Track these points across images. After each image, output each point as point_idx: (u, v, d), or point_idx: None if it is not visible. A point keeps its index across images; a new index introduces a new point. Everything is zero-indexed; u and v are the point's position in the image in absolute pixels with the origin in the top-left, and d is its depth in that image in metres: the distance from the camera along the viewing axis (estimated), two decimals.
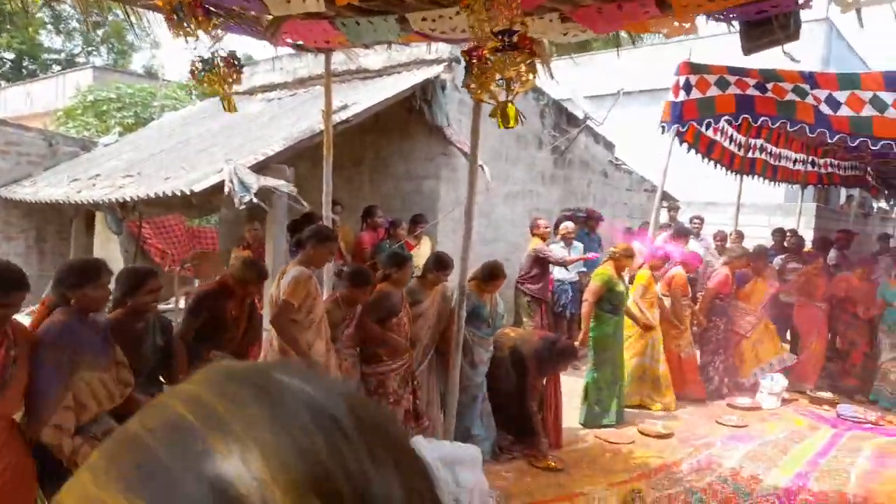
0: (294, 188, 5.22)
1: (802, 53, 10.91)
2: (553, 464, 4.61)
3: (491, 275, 4.75)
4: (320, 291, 3.82)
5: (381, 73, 7.94)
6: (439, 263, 4.55)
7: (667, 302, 6.42)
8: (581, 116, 8.76)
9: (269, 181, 4.99)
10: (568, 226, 7.38)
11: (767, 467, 4.79)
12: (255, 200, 5.01)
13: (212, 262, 7.31)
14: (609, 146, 9.56)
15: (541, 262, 6.97)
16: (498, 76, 3.01)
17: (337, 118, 5.93)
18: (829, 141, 5.82)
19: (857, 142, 5.56)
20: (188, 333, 3.72)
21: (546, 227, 7.19)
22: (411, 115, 7.12)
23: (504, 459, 4.70)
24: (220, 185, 5.13)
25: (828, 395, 6.72)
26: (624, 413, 5.76)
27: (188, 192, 5.21)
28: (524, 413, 4.80)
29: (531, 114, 8.23)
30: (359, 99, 6.85)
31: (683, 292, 6.51)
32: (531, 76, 3.03)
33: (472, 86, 3.10)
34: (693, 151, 7.32)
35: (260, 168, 5.41)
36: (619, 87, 8.74)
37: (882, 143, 5.40)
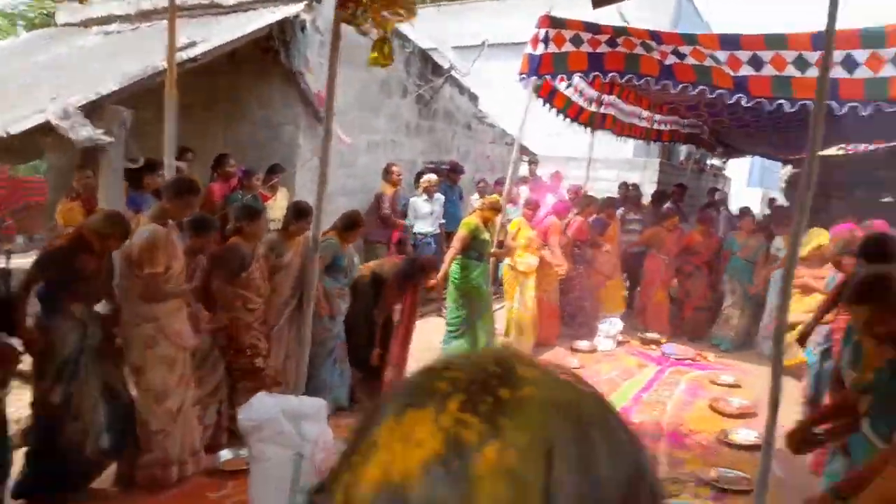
0: (110, 138, 4.77)
1: (654, 14, 11.52)
2: None
3: (352, 224, 4.77)
4: (177, 244, 3.60)
5: (235, 8, 7.41)
6: (299, 213, 4.48)
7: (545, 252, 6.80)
8: (446, 66, 8.77)
9: (84, 131, 4.55)
10: (430, 178, 7.49)
11: None
12: (95, 136, 4.56)
13: (38, 215, 6.62)
14: (474, 98, 9.68)
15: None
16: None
17: (184, 56, 5.51)
18: (672, 91, 6.20)
19: (695, 98, 6.01)
20: (29, 286, 3.37)
21: (398, 175, 7.26)
22: (268, 56, 6.76)
23: (357, 408, 4.82)
24: (44, 126, 4.63)
25: (655, 335, 7.45)
26: None
27: (4, 135, 4.65)
28: (371, 334, 4.89)
29: (397, 61, 8.10)
30: (208, 36, 6.37)
31: (559, 237, 6.98)
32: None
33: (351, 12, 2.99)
34: (548, 106, 7.59)
35: (92, 109, 4.92)
36: (484, 39, 8.81)
37: (718, 91, 5.86)
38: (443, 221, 7.69)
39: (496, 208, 6.12)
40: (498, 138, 10.29)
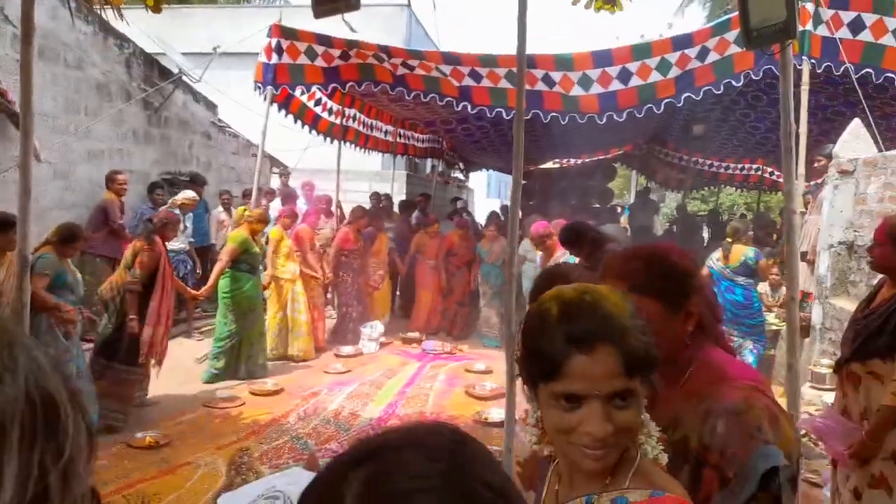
0: None
1: (388, 36, 12.07)
2: (153, 440, 4.24)
3: (70, 236, 4.27)
4: None
5: None
6: (2, 225, 3.86)
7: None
8: (176, 71, 8.10)
9: None
10: (188, 194, 6.86)
11: (364, 403, 5.29)
12: None
13: None
14: (211, 106, 9.10)
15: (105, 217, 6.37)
16: None
17: None
18: (407, 98, 6.60)
19: (431, 115, 6.46)
20: None
21: (122, 183, 6.50)
22: None
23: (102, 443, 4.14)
24: None
25: (416, 334, 7.73)
26: (267, 365, 6.12)
27: None
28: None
29: (114, 62, 7.26)
30: None
31: (311, 245, 7.04)
32: None
33: None
34: (284, 113, 7.49)
35: None
36: (215, 45, 8.33)
37: (446, 98, 6.39)
38: (192, 240, 7.14)
39: (264, 220, 6.26)
40: (242, 149, 9.82)
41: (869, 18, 5.20)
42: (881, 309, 2.61)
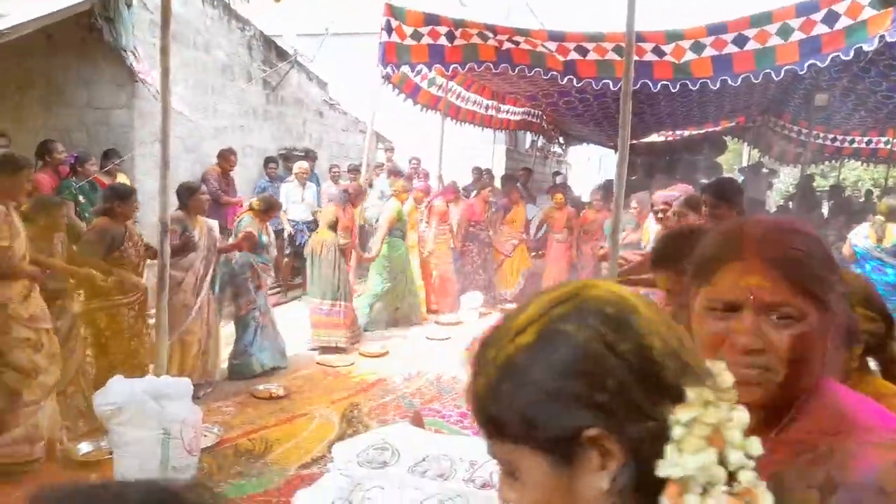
0: None
1: (486, 10, 12.01)
2: (274, 392, 4.65)
3: (270, 206, 5.39)
4: (17, 222, 3.32)
5: None
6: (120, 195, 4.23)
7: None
8: (292, 52, 8.56)
9: None
10: (302, 165, 7.43)
11: (465, 369, 5.48)
12: None
13: None
14: (322, 85, 9.54)
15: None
16: None
17: None
18: (511, 73, 6.61)
19: (533, 88, 6.41)
20: None
21: (230, 161, 7.06)
22: (91, 35, 6.16)
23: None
24: None
25: (514, 305, 7.84)
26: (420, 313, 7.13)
27: None
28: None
29: (237, 45, 7.78)
30: (11, 10, 5.68)
31: (442, 219, 7.58)
32: None
33: None
34: (397, 92, 7.68)
35: None
36: (327, 27, 8.71)
37: (551, 73, 6.31)
38: (318, 209, 7.56)
39: (406, 190, 7.09)
40: (351, 126, 10.23)
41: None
42: None
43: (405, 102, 8.35)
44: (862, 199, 10.78)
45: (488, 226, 8.00)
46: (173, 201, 4.32)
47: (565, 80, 6.36)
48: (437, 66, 6.74)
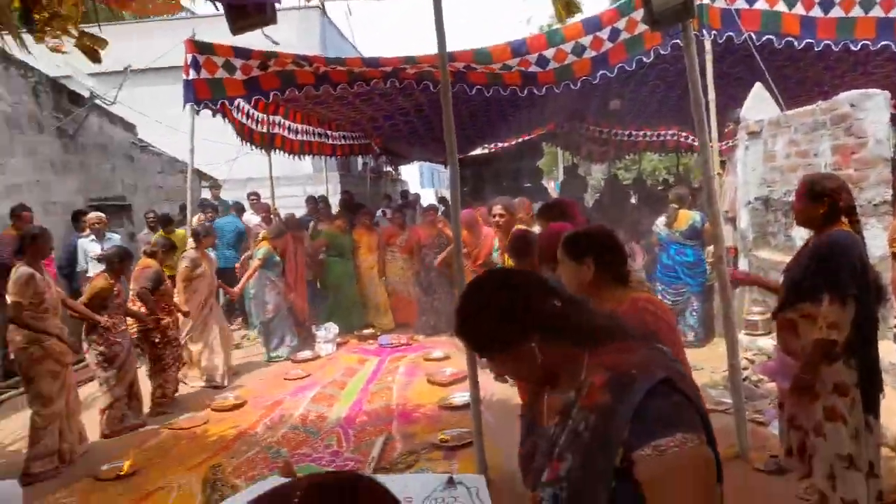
0: None
1: (301, 40, 11.93)
2: (120, 470, 4.20)
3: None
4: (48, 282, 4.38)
5: None
6: None
7: None
8: (87, 95, 7.82)
9: None
10: (98, 215, 6.66)
11: (330, 405, 5.35)
12: None
13: None
14: (129, 127, 8.83)
15: None
16: None
17: None
18: (333, 93, 6.56)
19: (355, 114, 6.40)
20: None
21: (25, 220, 6.21)
22: None
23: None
24: None
25: (370, 331, 7.81)
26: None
27: None
28: None
29: (21, 93, 6.96)
30: None
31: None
32: None
33: None
34: (224, 120, 7.26)
35: None
36: (127, 64, 8.08)
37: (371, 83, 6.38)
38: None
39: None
40: (167, 167, 9.57)
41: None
42: (801, 259, 2.87)
43: (230, 143, 8.01)
44: (661, 188, 12.16)
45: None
46: None
47: (388, 83, 6.42)
48: (256, 97, 6.50)
